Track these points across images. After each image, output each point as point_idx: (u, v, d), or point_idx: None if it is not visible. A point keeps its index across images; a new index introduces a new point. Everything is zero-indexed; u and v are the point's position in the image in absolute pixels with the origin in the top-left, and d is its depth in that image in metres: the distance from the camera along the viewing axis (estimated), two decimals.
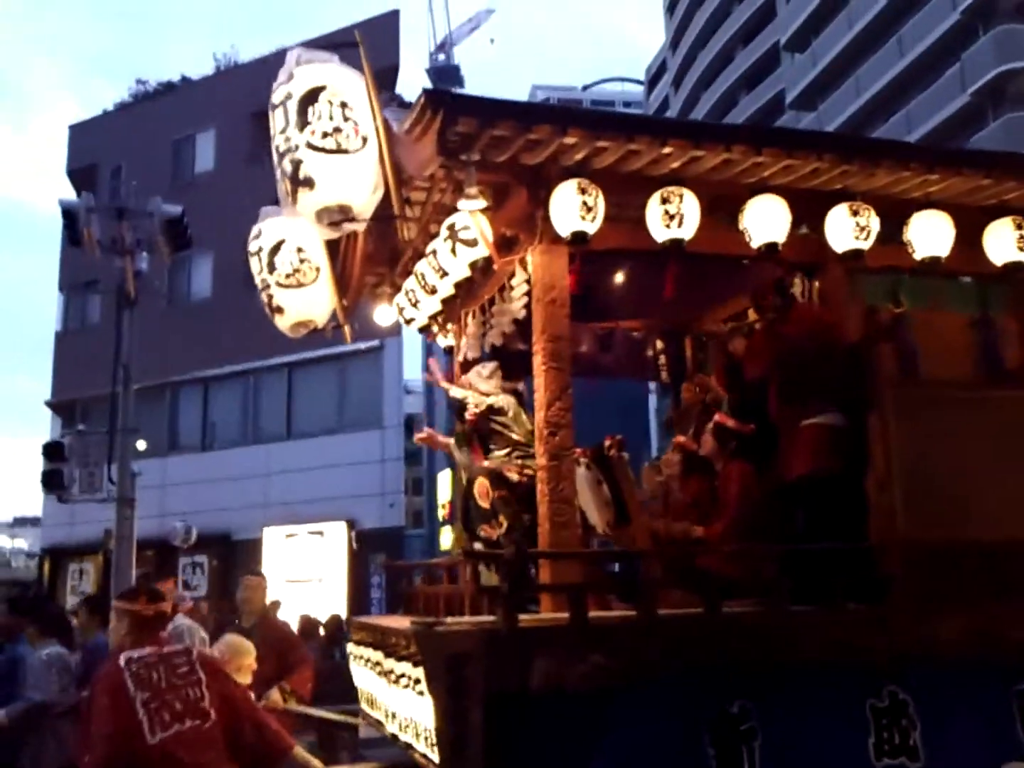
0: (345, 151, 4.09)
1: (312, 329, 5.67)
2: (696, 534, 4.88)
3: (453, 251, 4.81)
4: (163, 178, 22.61)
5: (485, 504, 4.90)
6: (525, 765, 4.08)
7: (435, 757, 4.14)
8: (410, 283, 5.32)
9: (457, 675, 4.01)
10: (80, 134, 27.57)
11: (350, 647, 5.50)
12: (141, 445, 18.58)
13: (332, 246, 5.44)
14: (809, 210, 4.92)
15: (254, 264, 5.59)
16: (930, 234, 4.89)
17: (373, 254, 5.76)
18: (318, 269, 5.43)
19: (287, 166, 4.13)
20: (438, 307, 5.29)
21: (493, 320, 5.23)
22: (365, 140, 4.17)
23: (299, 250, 5.39)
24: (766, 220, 4.66)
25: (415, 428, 18.34)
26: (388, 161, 4.25)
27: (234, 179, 21.04)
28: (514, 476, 4.89)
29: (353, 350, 19.21)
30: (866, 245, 4.74)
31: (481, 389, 5.39)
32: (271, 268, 5.38)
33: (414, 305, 5.36)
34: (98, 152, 25.35)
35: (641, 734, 4.19)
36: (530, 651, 4.07)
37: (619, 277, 5.36)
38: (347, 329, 5.78)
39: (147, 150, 23.88)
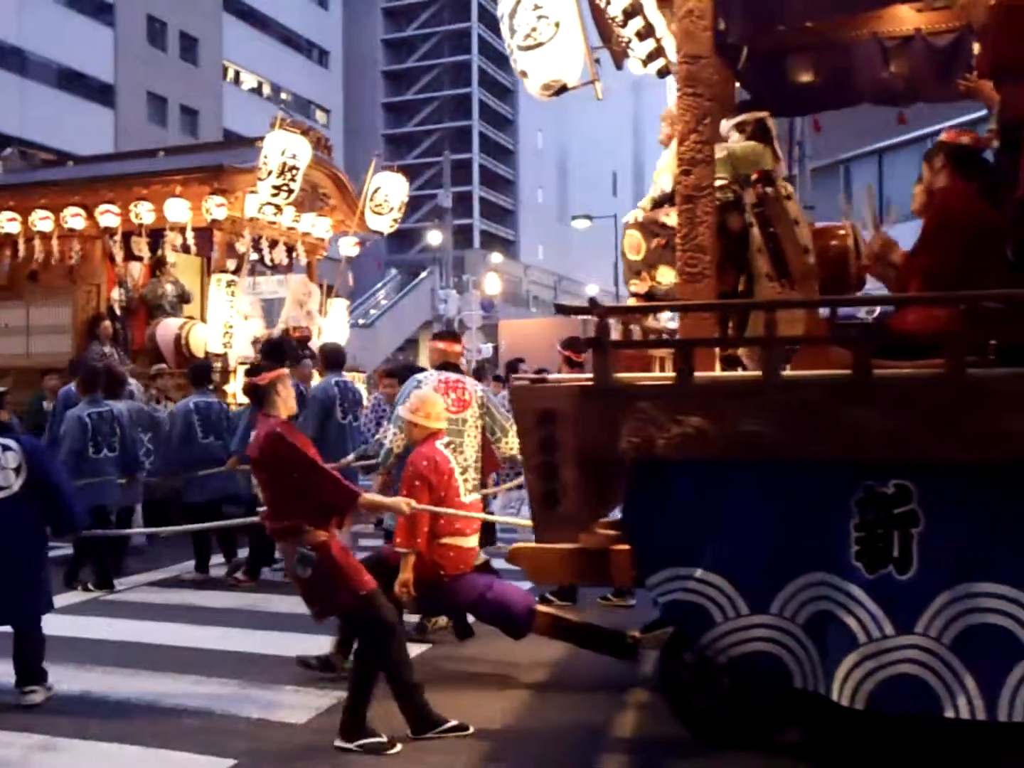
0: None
1: (561, 89, 5.54)
2: (894, 253, 3.90)
3: None
4: None
5: (635, 257, 4.42)
6: (625, 533, 3.86)
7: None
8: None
9: (546, 431, 3.91)
10: None
11: None
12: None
13: None
14: None
15: (503, 31, 5.61)
16: None
17: None
18: (557, 24, 5.27)
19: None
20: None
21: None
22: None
23: (535, 7, 5.29)
24: None
25: None
26: None
27: None
28: (672, 219, 4.31)
29: None
30: None
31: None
32: (511, 32, 5.37)
33: (628, 45, 4.88)
34: None
35: (762, 512, 3.67)
36: (622, 410, 3.78)
37: None
38: (598, 86, 5.54)
39: None
